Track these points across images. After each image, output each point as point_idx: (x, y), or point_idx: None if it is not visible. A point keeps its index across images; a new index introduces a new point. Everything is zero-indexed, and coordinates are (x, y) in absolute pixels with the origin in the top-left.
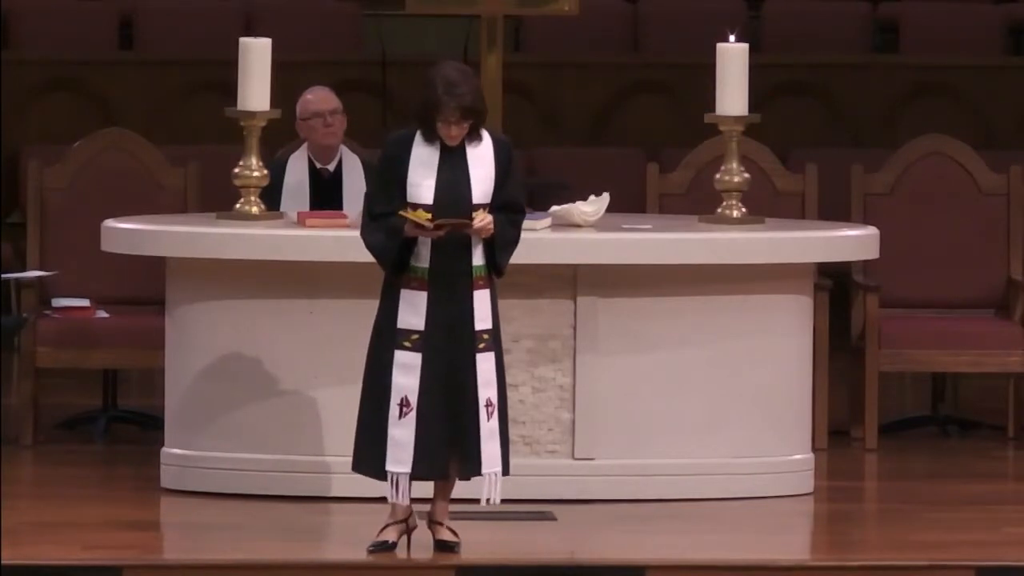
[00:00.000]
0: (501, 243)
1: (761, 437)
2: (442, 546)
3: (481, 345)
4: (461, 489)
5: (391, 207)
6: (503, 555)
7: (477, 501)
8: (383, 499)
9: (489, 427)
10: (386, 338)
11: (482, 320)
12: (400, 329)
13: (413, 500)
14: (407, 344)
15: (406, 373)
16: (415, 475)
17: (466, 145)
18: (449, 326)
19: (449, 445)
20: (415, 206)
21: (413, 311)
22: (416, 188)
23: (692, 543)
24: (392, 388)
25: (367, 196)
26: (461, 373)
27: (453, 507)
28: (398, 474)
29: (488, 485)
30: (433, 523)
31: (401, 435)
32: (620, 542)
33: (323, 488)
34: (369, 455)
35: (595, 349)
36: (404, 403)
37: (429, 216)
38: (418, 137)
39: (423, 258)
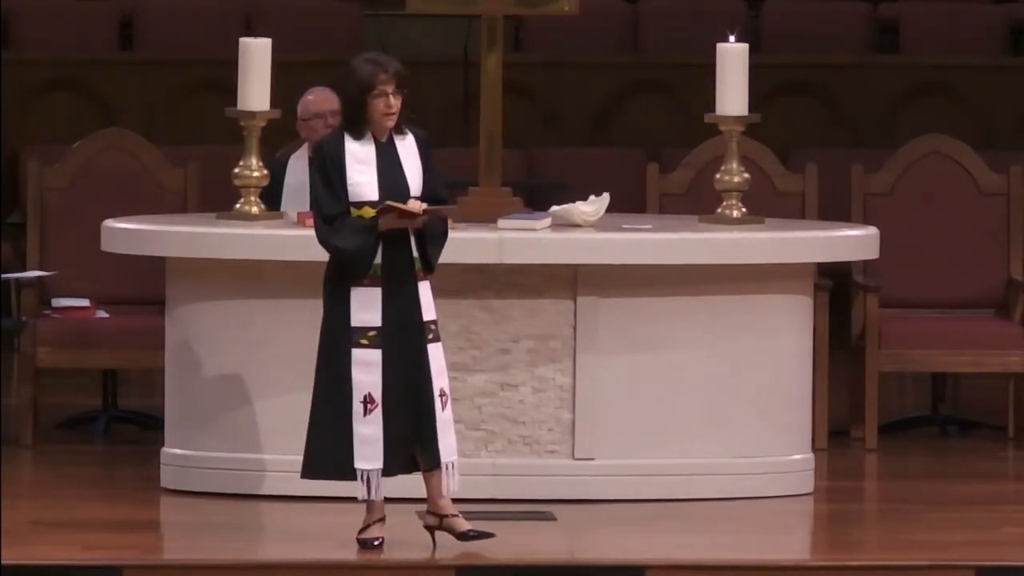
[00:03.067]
0: (431, 237)
1: (761, 437)
2: (468, 536)
3: (430, 336)
4: (460, 490)
5: (343, 207)
6: (503, 555)
7: (476, 501)
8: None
9: (444, 417)
10: (339, 338)
11: (428, 311)
12: (355, 328)
13: (410, 501)
14: (364, 341)
15: (366, 370)
16: (387, 471)
17: (395, 138)
18: (402, 320)
19: (412, 438)
20: (359, 204)
21: (367, 308)
22: (358, 187)
23: (692, 543)
24: (353, 387)
25: (315, 201)
26: (417, 365)
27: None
28: (369, 471)
29: (447, 475)
30: (447, 518)
31: (368, 432)
32: (620, 542)
33: (322, 488)
34: (331, 457)
35: (595, 349)
36: (368, 400)
37: (415, 204)
38: (347, 138)
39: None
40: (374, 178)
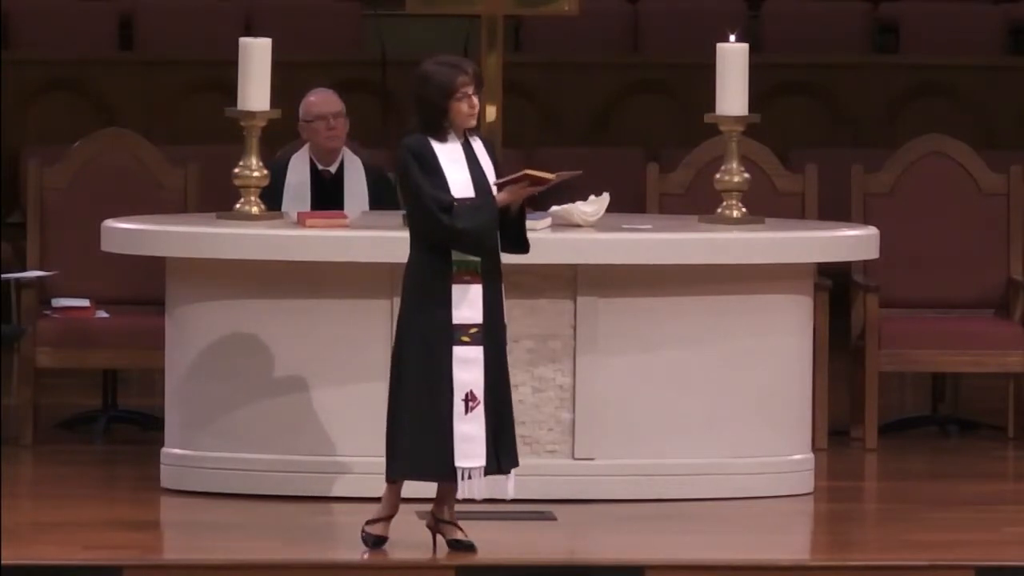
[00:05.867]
0: (524, 222)
1: (761, 437)
2: (458, 545)
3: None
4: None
5: (451, 194)
6: (503, 555)
7: (476, 500)
8: (379, 499)
9: (512, 420)
10: (437, 335)
11: (505, 314)
12: (456, 325)
13: (411, 500)
14: (465, 339)
15: (468, 368)
16: (489, 470)
17: (470, 139)
18: (493, 319)
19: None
20: (460, 200)
21: (469, 305)
22: (455, 184)
23: (692, 543)
24: (454, 384)
25: (425, 195)
26: (500, 366)
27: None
28: (471, 469)
29: (512, 480)
30: (442, 523)
31: (469, 430)
32: (620, 542)
33: (323, 488)
34: (429, 457)
35: (595, 349)
36: (470, 397)
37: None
38: (432, 140)
39: None
40: (467, 175)
